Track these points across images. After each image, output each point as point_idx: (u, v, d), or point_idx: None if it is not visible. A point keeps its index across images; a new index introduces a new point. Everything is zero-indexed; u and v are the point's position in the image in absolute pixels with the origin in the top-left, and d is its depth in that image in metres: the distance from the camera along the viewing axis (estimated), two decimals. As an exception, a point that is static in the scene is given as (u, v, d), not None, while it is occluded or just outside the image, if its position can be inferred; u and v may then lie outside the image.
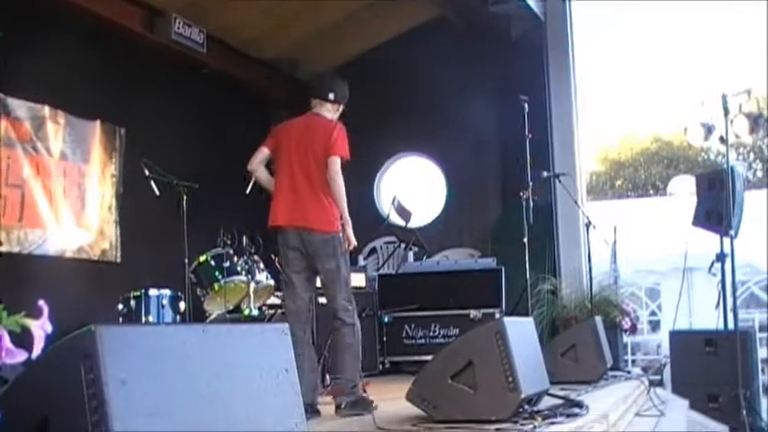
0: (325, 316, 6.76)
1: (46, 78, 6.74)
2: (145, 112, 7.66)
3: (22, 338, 1.67)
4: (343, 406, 4.63)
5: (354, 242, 4.89)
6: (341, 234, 4.83)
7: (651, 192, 23.00)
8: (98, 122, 7.49)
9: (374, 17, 9.03)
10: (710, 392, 7.14)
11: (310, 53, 9.24)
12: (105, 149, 7.56)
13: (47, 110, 6.96)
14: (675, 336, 7.87)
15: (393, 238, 9.50)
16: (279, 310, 6.59)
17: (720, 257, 6.88)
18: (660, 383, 7.49)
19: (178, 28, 7.63)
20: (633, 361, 8.96)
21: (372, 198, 10.20)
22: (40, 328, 1.65)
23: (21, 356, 1.63)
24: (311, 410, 4.56)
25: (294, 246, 4.81)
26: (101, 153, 7.52)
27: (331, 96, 5.12)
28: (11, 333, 1.60)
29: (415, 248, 9.13)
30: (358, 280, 7.75)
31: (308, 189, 4.84)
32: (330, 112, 5.11)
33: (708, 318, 7.70)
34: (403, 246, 9.16)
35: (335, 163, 4.85)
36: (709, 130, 8.12)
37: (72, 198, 7.17)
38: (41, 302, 1.66)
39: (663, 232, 10.19)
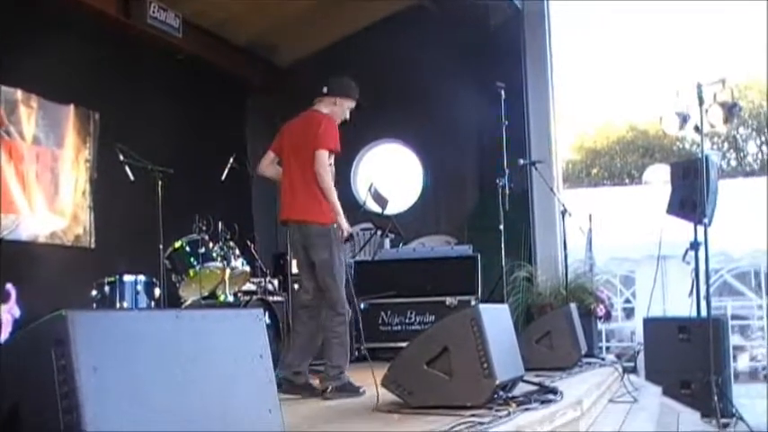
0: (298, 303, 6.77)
1: (19, 62, 6.64)
2: (120, 96, 7.59)
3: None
4: (329, 390, 4.73)
5: (348, 229, 4.92)
6: (335, 226, 4.89)
7: (627, 180, 23.14)
8: (72, 107, 7.41)
9: (354, 2, 8.99)
10: (683, 379, 7.20)
11: (287, 38, 9.20)
12: (79, 134, 7.49)
13: (19, 93, 6.87)
14: (649, 323, 7.92)
15: (369, 225, 9.47)
16: (254, 297, 6.57)
17: (694, 246, 6.93)
18: (634, 370, 7.55)
19: (153, 12, 7.56)
20: (607, 348, 9.03)
21: (349, 184, 10.18)
22: (8, 313, 1.63)
23: (-11, 341, 1.61)
24: (302, 386, 4.82)
25: (295, 239, 5.01)
26: (74, 137, 7.44)
27: (324, 90, 5.13)
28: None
29: (392, 235, 9.11)
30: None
31: (303, 183, 4.94)
32: (326, 106, 5.13)
33: (681, 305, 7.76)
34: (379, 233, 9.14)
35: (320, 156, 4.87)
36: (684, 119, 8.15)
37: (45, 183, 7.10)
38: (9, 286, 1.64)
39: (638, 220, 10.26)
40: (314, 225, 4.90)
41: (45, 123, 7.12)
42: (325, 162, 4.89)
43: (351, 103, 5.22)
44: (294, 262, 6.57)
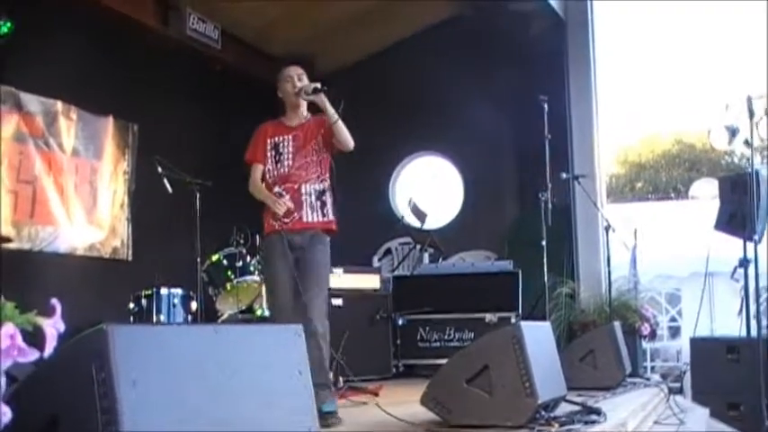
0: (337, 316, 6.79)
1: (59, 73, 6.77)
2: (158, 108, 7.69)
3: (34, 337, 1.68)
4: None
5: (276, 208, 4.80)
6: (269, 237, 4.88)
7: (672, 195, 22.89)
8: (111, 118, 7.52)
9: (391, 13, 9.03)
10: (731, 401, 7.08)
11: (325, 48, 9.24)
12: (118, 146, 7.60)
13: (59, 105, 7.00)
14: (696, 342, 7.81)
15: (408, 240, 9.50)
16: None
17: (743, 263, 6.83)
18: (680, 391, 7.45)
19: (193, 23, 7.67)
20: (652, 368, 8.92)
21: (387, 198, 10.20)
22: (53, 327, 1.66)
23: (33, 355, 1.64)
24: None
25: None
26: (113, 149, 7.55)
27: (280, 95, 5.07)
28: (23, 331, 1.60)
29: (431, 250, 9.12)
30: (372, 281, 7.76)
31: None
32: (284, 104, 5.06)
33: (729, 324, 7.64)
34: (418, 247, 9.16)
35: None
36: (733, 133, 8.05)
37: (84, 195, 7.21)
38: (54, 301, 1.67)
39: (684, 236, 10.14)
40: None
41: (84, 135, 7.24)
42: (250, 176, 4.92)
43: (286, 74, 4.96)
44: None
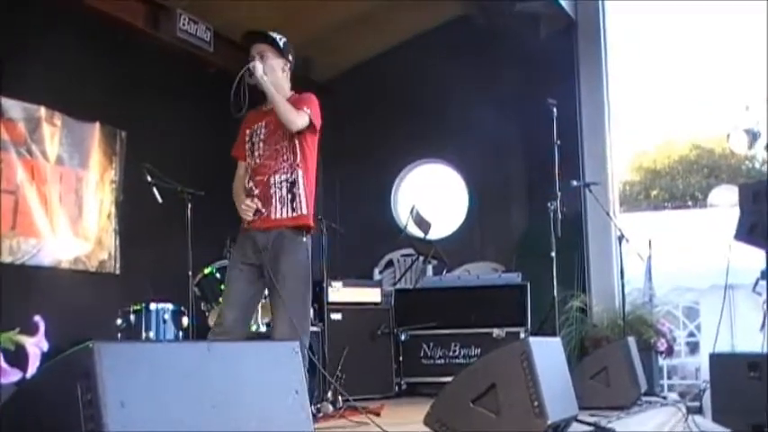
0: (336, 332, 6.79)
1: (42, 77, 6.78)
2: (147, 114, 7.70)
3: (16, 356, 1.68)
4: None
5: (243, 213, 4.69)
6: (237, 240, 4.84)
7: (690, 203, 22.87)
8: (97, 125, 7.53)
9: (393, 14, 9.05)
10: (754, 421, 7.04)
11: (324, 52, 9.27)
12: (105, 153, 7.61)
13: (43, 111, 7.00)
14: (716, 359, 7.77)
15: (411, 251, 9.50)
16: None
17: (766, 275, 6.82)
18: (699, 410, 7.42)
19: (183, 24, 7.68)
20: (670, 386, 8.90)
21: (389, 207, 10.21)
22: (36, 346, 1.66)
23: (15, 376, 1.64)
24: None
25: None
26: (100, 157, 7.56)
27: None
28: (4, 351, 1.61)
29: (435, 262, 9.13)
30: (373, 295, 7.76)
31: None
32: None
33: (751, 340, 7.62)
34: (421, 259, 9.16)
35: None
36: (754, 136, 8.07)
37: (68, 205, 7.21)
38: (37, 318, 1.67)
39: (702, 247, 10.13)
40: None
41: (69, 142, 7.25)
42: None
43: (251, 53, 4.84)
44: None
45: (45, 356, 1.80)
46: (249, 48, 4.85)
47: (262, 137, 4.74)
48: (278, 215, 4.62)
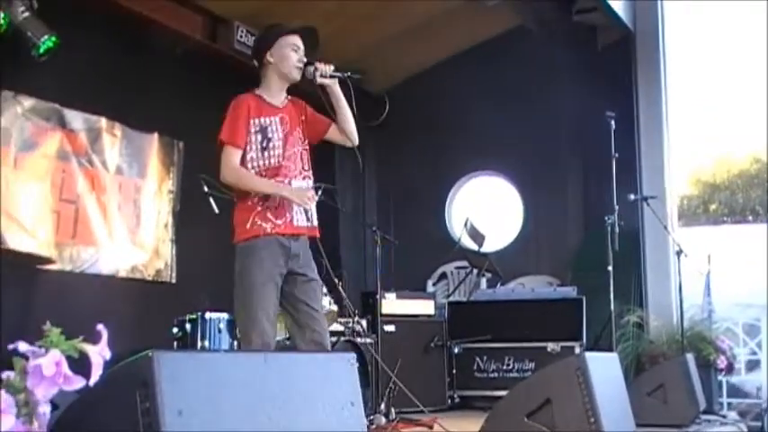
0: (389, 344, 6.79)
1: (103, 89, 6.91)
2: (205, 125, 7.70)
3: (79, 364, 1.71)
4: None
5: (301, 199, 4.25)
6: (241, 246, 4.27)
7: (750, 218, 22.46)
8: (156, 135, 7.63)
9: (449, 25, 9.04)
10: (816, 442, 6.92)
11: (379, 63, 9.29)
12: (163, 164, 7.71)
13: (103, 122, 7.12)
14: (777, 377, 7.66)
15: (465, 263, 9.46)
16: (341, 338, 6.62)
17: (828, 292, 6.68)
18: (761, 431, 7.29)
19: (241, 36, 7.76)
20: (729, 404, 8.72)
21: (443, 220, 10.19)
22: (99, 354, 1.69)
23: (78, 383, 1.66)
24: None
25: None
26: (158, 167, 7.66)
27: (255, 64, 4.53)
28: (68, 358, 1.63)
29: (489, 274, 9.08)
30: (426, 307, 7.75)
31: None
32: (267, 78, 4.48)
33: (814, 358, 7.46)
34: (475, 271, 9.12)
35: (221, 159, 4.30)
36: (816, 150, 7.90)
37: (127, 215, 7.32)
38: (100, 327, 1.69)
39: (763, 262, 9.94)
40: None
41: (128, 152, 7.36)
42: (225, 161, 4.28)
43: (288, 41, 4.40)
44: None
45: (105, 364, 1.83)
46: (295, 38, 4.44)
47: (280, 135, 4.34)
48: (297, 222, 4.32)
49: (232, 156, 4.27)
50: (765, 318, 10.12)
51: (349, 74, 4.46)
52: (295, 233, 4.29)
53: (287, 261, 4.24)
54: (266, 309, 4.17)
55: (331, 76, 4.41)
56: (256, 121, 4.33)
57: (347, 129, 4.48)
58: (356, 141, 4.51)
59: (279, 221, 4.23)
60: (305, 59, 4.36)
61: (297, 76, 4.37)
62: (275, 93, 4.43)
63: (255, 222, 4.24)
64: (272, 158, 4.30)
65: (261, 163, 4.30)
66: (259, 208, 4.25)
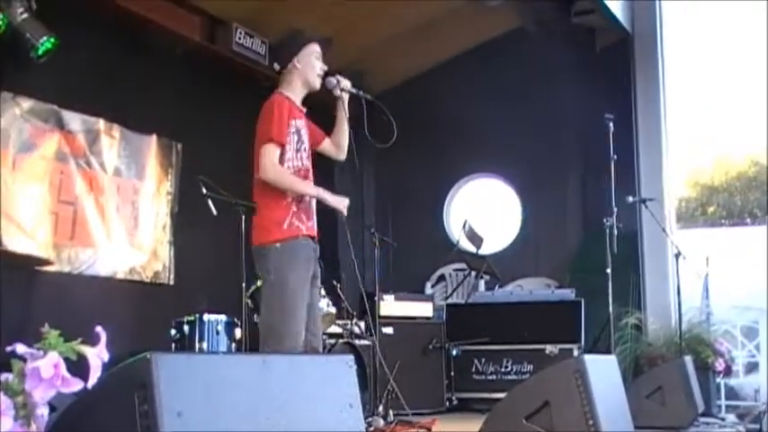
0: (388, 346, 6.78)
1: (101, 91, 6.91)
2: (203, 126, 7.78)
3: (77, 365, 1.70)
4: None
5: (340, 206, 4.48)
6: (280, 245, 4.32)
7: (748, 220, 22.45)
8: (154, 137, 7.63)
9: (447, 27, 9.05)
10: (815, 445, 6.91)
11: (378, 65, 9.31)
12: (161, 165, 7.70)
13: (102, 123, 7.11)
14: (775, 380, 7.66)
15: (463, 265, 9.47)
16: (339, 340, 6.62)
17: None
18: (759, 433, 7.28)
19: (239, 38, 7.76)
20: (727, 407, 8.73)
21: (441, 222, 10.19)
22: (98, 357, 1.68)
23: (77, 385, 1.66)
24: None
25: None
26: (156, 169, 7.65)
27: (276, 67, 4.64)
28: (66, 360, 1.63)
29: (487, 277, 9.08)
30: (424, 309, 7.75)
31: (256, 192, 4.51)
32: (289, 83, 4.56)
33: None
34: (473, 274, 9.13)
35: (261, 156, 4.33)
36: (814, 153, 7.90)
37: (125, 216, 7.31)
38: (98, 329, 1.69)
39: (762, 265, 9.94)
40: (255, 247, 4.42)
41: (127, 154, 7.35)
42: (270, 158, 4.31)
43: (314, 49, 4.56)
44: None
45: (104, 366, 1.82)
46: (318, 47, 4.59)
47: (305, 139, 4.49)
48: (314, 226, 4.49)
49: (274, 153, 4.32)
50: (765, 320, 10.13)
51: (362, 92, 4.65)
52: (316, 236, 4.45)
53: (314, 263, 4.41)
54: (302, 310, 4.30)
55: (348, 91, 4.58)
56: (293, 122, 4.43)
57: (342, 143, 4.64)
58: (344, 157, 4.69)
59: (309, 223, 4.40)
60: (325, 68, 4.53)
61: (318, 84, 4.55)
62: (298, 98, 4.56)
63: (293, 223, 4.34)
64: (304, 160, 4.44)
65: (296, 163, 4.41)
66: (294, 208, 4.36)
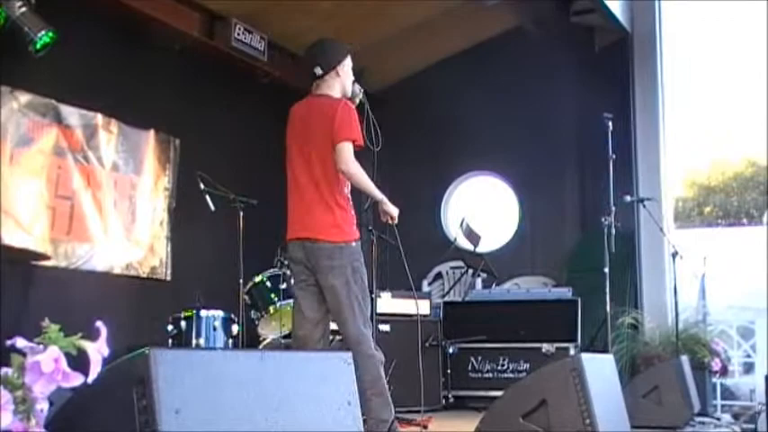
0: (384, 343, 6.77)
1: (99, 85, 6.89)
2: (201, 122, 7.77)
3: (76, 360, 1.70)
4: None
5: (395, 213, 4.66)
6: (354, 244, 4.53)
7: (745, 220, 22.47)
8: (152, 132, 7.61)
9: (447, 26, 9.04)
10: (810, 445, 6.92)
11: (377, 62, 9.29)
12: (159, 161, 7.69)
13: (99, 118, 7.09)
14: (771, 380, 7.65)
15: (460, 263, 9.47)
16: (336, 337, 6.62)
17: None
18: (754, 433, 7.29)
19: (238, 34, 7.75)
20: (723, 406, 8.74)
21: (439, 220, 10.18)
22: (98, 351, 1.68)
23: (77, 380, 1.66)
24: None
25: (298, 259, 4.59)
26: (154, 164, 7.64)
27: (318, 71, 4.71)
28: (66, 355, 1.63)
29: (484, 275, 9.08)
30: (422, 307, 7.74)
31: (312, 189, 4.56)
32: (330, 87, 4.74)
33: (808, 361, 7.47)
34: (471, 272, 9.12)
35: (343, 150, 4.46)
36: (812, 154, 7.91)
37: (122, 211, 7.30)
38: (99, 323, 1.69)
39: (758, 265, 9.95)
40: (323, 243, 4.47)
41: (124, 149, 7.33)
42: (352, 155, 4.48)
43: (349, 62, 4.82)
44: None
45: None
46: (349, 60, 4.87)
47: None
48: None
49: (353, 153, 4.53)
50: (761, 320, 10.14)
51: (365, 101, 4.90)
52: None
53: None
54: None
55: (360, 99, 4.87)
56: None
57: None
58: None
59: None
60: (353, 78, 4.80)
61: (350, 93, 4.82)
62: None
63: (356, 224, 4.63)
64: None
65: None
66: (353, 211, 4.66)
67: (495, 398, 4.19)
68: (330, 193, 4.54)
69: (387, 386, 4.58)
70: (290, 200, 4.69)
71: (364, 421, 4.50)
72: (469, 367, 7.75)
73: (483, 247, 9.24)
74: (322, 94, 4.73)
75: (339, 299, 4.47)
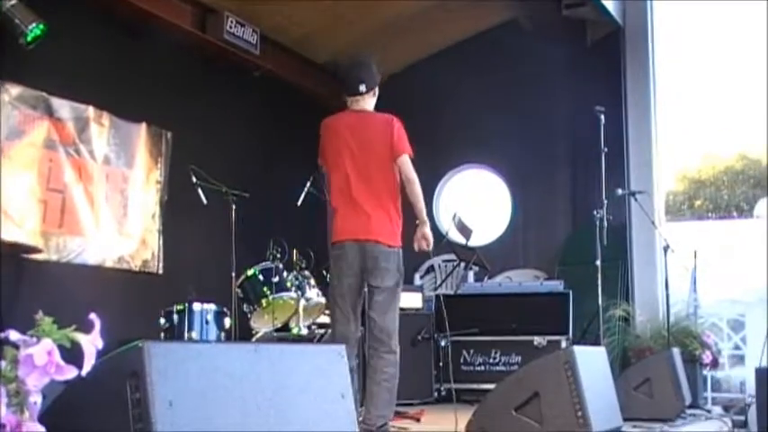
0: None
1: (91, 78, 6.87)
2: (193, 115, 7.76)
3: (70, 353, 1.69)
4: None
5: (431, 239, 4.95)
6: (401, 251, 4.87)
7: (735, 214, 22.53)
8: (144, 125, 7.59)
9: (440, 18, 9.03)
10: (800, 437, 6.94)
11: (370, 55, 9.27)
12: (151, 154, 7.67)
13: (91, 110, 7.07)
14: (762, 373, 7.65)
15: (452, 257, 9.46)
16: (328, 330, 6.62)
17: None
18: (744, 425, 7.31)
19: (230, 27, 7.73)
20: (714, 399, 8.77)
21: (431, 213, 10.16)
22: (92, 344, 1.67)
23: (71, 373, 1.65)
24: None
25: (351, 259, 4.80)
26: (146, 158, 7.62)
27: (362, 89, 4.99)
28: (60, 348, 1.62)
29: (476, 268, 9.07)
30: (414, 300, 7.74)
31: (369, 196, 4.83)
32: (369, 104, 5.07)
33: (798, 354, 7.48)
34: (463, 265, 9.12)
35: (407, 162, 4.86)
36: (802, 147, 7.93)
37: (114, 205, 7.28)
38: (93, 316, 1.68)
39: (748, 259, 9.98)
40: (383, 246, 4.78)
41: (116, 142, 7.32)
42: (412, 167, 4.88)
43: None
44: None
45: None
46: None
47: None
48: None
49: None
50: (753, 313, 10.18)
51: None
52: None
53: None
54: None
55: None
56: None
57: None
58: None
59: None
60: None
61: None
62: None
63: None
64: None
65: None
66: None
67: (487, 391, 4.20)
68: (391, 201, 4.87)
69: (397, 387, 4.74)
70: (341, 203, 4.91)
71: (367, 410, 4.58)
72: (461, 360, 7.75)
73: (475, 241, 9.23)
74: (363, 110, 5.01)
75: (390, 298, 4.79)
